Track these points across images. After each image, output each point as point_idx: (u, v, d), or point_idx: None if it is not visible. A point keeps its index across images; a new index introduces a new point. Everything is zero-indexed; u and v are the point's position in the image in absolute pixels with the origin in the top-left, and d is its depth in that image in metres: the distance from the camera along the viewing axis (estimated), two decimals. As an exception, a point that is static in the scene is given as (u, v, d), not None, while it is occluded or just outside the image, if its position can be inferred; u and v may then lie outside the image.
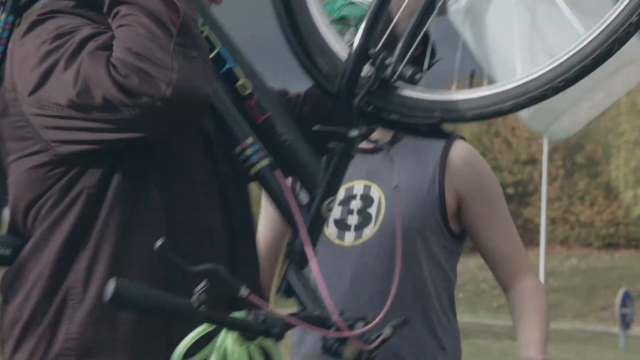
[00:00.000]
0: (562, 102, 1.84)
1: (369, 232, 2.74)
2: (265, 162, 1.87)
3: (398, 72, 1.81)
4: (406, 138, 2.80)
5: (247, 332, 1.65)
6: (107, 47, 1.75)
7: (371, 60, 1.82)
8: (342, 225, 2.77)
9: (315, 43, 1.94)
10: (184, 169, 1.87)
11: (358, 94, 1.82)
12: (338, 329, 1.71)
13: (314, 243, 1.85)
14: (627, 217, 41.50)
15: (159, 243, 1.54)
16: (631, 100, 39.15)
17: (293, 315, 1.71)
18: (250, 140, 1.88)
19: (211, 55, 1.88)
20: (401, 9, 1.96)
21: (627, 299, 25.05)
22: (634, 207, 40.39)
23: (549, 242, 37.26)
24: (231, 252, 1.90)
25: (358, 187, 2.79)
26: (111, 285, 1.50)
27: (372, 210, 2.75)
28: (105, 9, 1.83)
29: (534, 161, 42.24)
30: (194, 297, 1.58)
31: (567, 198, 43.73)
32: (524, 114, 1.92)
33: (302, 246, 1.83)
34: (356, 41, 1.83)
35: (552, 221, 40.98)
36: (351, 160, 1.87)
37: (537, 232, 33.78)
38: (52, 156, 1.82)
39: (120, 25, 1.77)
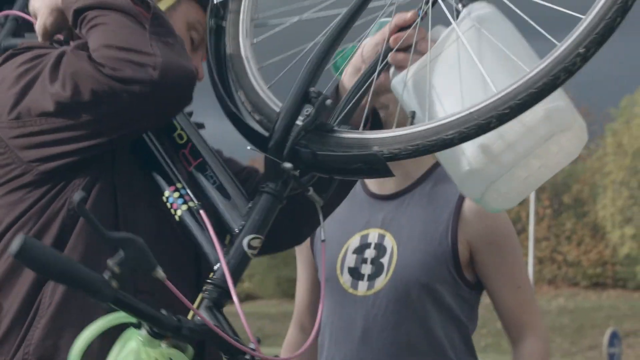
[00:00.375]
0: (495, 168, 1.79)
1: (380, 282, 2.74)
2: (191, 204, 1.90)
3: (337, 116, 1.85)
4: (423, 185, 2.81)
5: (155, 326, 1.56)
6: (85, 48, 1.82)
7: (310, 99, 1.82)
8: (356, 274, 2.79)
9: (251, 99, 1.94)
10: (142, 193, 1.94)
11: (295, 132, 1.81)
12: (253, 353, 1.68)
13: (235, 280, 1.80)
14: (614, 256, 41.52)
15: (77, 197, 1.50)
16: (617, 141, 39.36)
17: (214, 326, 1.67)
18: (179, 185, 1.92)
19: None
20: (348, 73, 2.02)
21: (614, 338, 25.01)
22: (621, 246, 40.42)
23: (537, 281, 37.29)
24: (197, 280, 1.95)
25: (373, 235, 2.80)
26: (18, 240, 1.44)
27: (385, 260, 2.76)
28: (70, 21, 1.90)
29: (521, 201, 42.27)
30: (106, 270, 1.50)
31: (554, 238, 43.75)
32: (457, 179, 1.88)
33: (224, 282, 1.79)
34: (299, 78, 1.84)
35: (539, 261, 41.01)
36: (281, 204, 1.86)
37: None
38: (32, 177, 1.87)
39: (92, 27, 1.84)
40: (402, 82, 1.89)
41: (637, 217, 39.63)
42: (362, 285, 2.77)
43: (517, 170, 1.80)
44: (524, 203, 39.91)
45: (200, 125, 2.12)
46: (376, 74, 1.91)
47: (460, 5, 1.89)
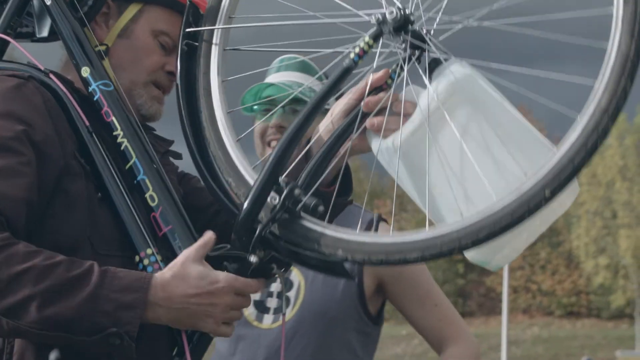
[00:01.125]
0: (505, 239, 1.74)
1: (286, 316, 2.74)
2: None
3: (303, 202, 1.79)
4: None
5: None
6: None
7: (278, 187, 1.81)
8: (261, 307, 2.80)
9: (223, 164, 1.94)
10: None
11: (261, 221, 1.82)
12: None
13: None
14: (588, 286, 41.72)
15: (52, 357, 1.70)
16: (591, 171, 39.62)
17: None
18: (149, 251, 1.95)
19: (127, 167, 2.00)
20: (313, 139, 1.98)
21: (588, 367, 25.17)
22: (595, 276, 40.59)
23: (511, 310, 37.39)
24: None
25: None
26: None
27: (292, 294, 2.77)
28: None
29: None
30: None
31: (529, 267, 43.88)
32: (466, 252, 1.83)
33: None
34: (266, 166, 1.82)
35: (514, 290, 41.16)
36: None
37: (499, 300, 33.92)
38: None
39: None
40: (387, 148, 1.85)
41: (611, 247, 39.86)
42: (268, 319, 2.78)
43: (522, 233, 1.80)
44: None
45: (178, 156, 2.20)
46: (353, 135, 1.88)
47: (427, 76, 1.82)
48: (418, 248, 1.66)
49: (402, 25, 1.80)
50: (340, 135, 1.91)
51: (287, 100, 2.67)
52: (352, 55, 1.81)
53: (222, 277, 1.85)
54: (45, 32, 2.13)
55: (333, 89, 1.85)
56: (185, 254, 1.86)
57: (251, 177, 1.88)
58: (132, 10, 2.12)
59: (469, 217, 1.63)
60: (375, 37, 1.80)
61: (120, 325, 1.77)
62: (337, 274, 1.87)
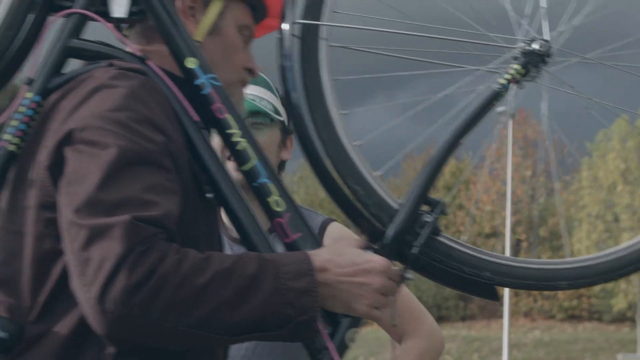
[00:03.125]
0: None
1: None
2: None
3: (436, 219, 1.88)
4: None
5: None
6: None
7: (430, 205, 1.89)
8: None
9: (362, 187, 1.96)
10: None
11: (410, 241, 1.88)
12: None
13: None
14: (589, 289, 41.70)
15: None
16: (593, 174, 39.61)
17: None
18: None
19: (245, 168, 1.93)
20: None
21: (590, 371, 25.15)
22: (596, 279, 40.56)
23: (513, 314, 37.37)
24: None
25: None
26: None
27: None
28: None
29: (497, 234, 42.48)
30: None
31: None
32: None
33: None
34: (413, 189, 1.90)
35: (515, 293, 41.08)
36: None
37: (501, 304, 33.92)
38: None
39: None
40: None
41: (612, 250, 39.77)
42: None
43: None
44: (500, 236, 40.15)
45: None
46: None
47: None
48: (569, 277, 1.71)
49: (543, 56, 1.92)
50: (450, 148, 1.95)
51: (246, 113, 2.64)
52: (502, 81, 1.90)
53: (377, 257, 1.84)
54: (122, 12, 1.97)
55: (483, 112, 1.92)
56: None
57: (378, 186, 1.93)
58: (217, 5, 2.04)
59: (618, 249, 1.68)
60: (524, 66, 1.91)
61: (305, 312, 1.75)
62: (483, 295, 1.88)
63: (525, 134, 40.94)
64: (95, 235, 1.64)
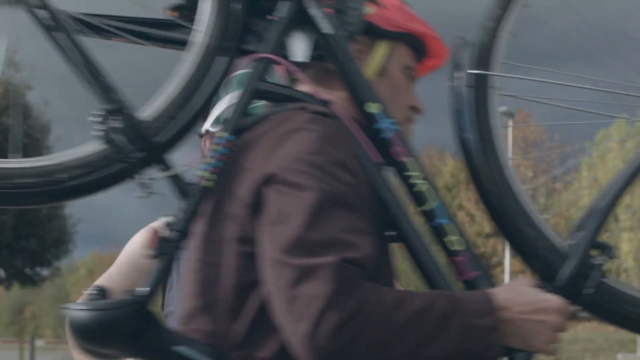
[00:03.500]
0: None
1: None
2: None
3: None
4: None
5: None
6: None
7: (601, 247, 2.00)
8: None
9: (533, 231, 2.07)
10: None
11: (578, 282, 1.99)
12: None
13: None
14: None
15: None
16: (593, 175, 39.63)
17: None
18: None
19: (423, 208, 2.00)
20: None
21: (590, 371, 25.16)
22: (596, 279, 40.54)
23: (513, 314, 37.28)
24: None
25: None
26: None
27: None
28: None
29: (497, 234, 42.46)
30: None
31: (530, 271, 43.82)
32: None
33: None
34: (585, 235, 2.02)
35: (515, 293, 41.08)
36: None
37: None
38: None
39: None
40: None
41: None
42: None
43: None
44: (500, 236, 40.01)
45: None
46: None
47: None
48: None
49: None
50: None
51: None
52: None
53: (554, 297, 1.90)
54: (304, 57, 2.05)
55: None
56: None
57: (547, 229, 2.04)
58: (383, 47, 2.13)
59: None
60: None
61: (491, 349, 1.81)
62: None
63: (525, 135, 40.97)
64: (303, 275, 1.70)
